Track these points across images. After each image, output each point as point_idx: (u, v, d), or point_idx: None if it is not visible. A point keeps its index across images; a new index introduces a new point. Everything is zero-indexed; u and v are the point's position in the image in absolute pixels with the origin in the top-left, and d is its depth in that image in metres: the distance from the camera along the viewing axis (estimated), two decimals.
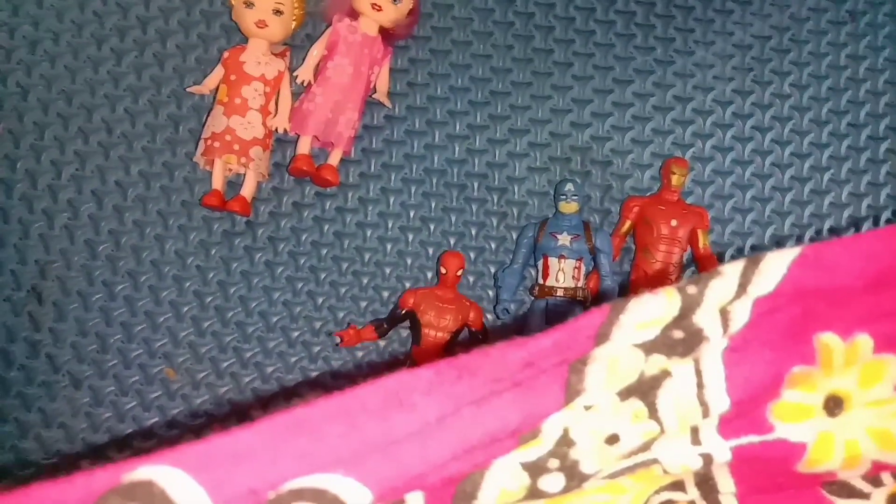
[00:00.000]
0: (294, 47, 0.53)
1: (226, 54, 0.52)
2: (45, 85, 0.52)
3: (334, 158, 0.52)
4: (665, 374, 0.21)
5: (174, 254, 0.52)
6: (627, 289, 0.52)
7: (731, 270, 0.21)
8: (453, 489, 0.20)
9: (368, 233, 0.53)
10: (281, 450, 0.18)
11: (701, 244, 0.52)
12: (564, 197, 0.51)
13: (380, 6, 0.51)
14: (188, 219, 0.52)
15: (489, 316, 0.52)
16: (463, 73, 0.54)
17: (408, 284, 0.52)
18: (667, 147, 0.55)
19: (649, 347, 0.21)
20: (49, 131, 0.52)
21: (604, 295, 0.51)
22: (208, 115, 0.51)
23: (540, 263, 0.51)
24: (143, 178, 0.52)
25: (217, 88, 0.51)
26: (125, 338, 0.51)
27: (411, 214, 0.53)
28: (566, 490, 0.21)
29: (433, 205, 0.53)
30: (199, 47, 0.54)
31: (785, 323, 0.21)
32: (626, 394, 0.21)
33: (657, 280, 0.50)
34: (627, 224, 0.53)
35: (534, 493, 0.21)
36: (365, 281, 0.52)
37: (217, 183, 0.50)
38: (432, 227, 0.53)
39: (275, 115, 0.52)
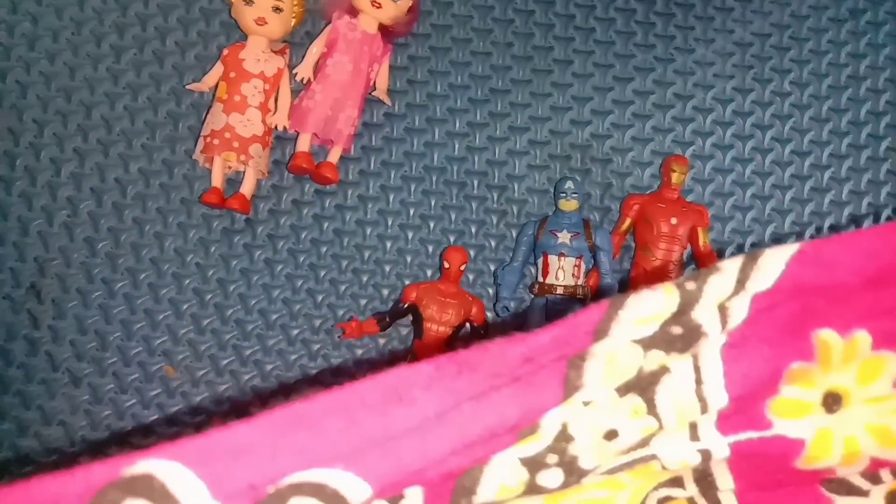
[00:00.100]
0: (293, 45, 0.53)
1: (225, 51, 0.52)
2: (44, 82, 0.52)
3: (334, 156, 0.52)
4: (664, 369, 0.21)
5: (173, 251, 0.52)
6: (627, 287, 0.52)
7: (730, 266, 0.21)
8: (452, 484, 0.20)
9: (368, 230, 0.53)
10: (280, 444, 0.18)
11: (701, 242, 0.52)
12: (564, 195, 0.51)
13: (379, 3, 0.51)
14: (188, 216, 0.52)
15: (489, 313, 0.52)
16: (462, 70, 0.54)
17: (407, 282, 0.52)
18: (667, 145, 0.55)
19: (648, 343, 0.21)
20: (48, 128, 0.52)
21: (604, 293, 0.51)
22: (208, 113, 0.51)
23: (540, 261, 0.51)
24: (143, 176, 0.52)
25: (216, 86, 0.51)
26: (124, 335, 0.51)
27: (411, 212, 0.53)
28: (565, 485, 0.21)
29: (433, 202, 0.53)
30: (199, 44, 0.54)
31: (783, 319, 0.21)
32: (624, 389, 0.21)
33: (657, 278, 0.50)
34: (627, 222, 0.53)
35: (532, 488, 0.21)
36: (364, 279, 0.52)
37: (216, 180, 0.50)
38: (432, 224, 0.53)
39: (274, 113, 0.52)
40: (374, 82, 0.53)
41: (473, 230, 0.53)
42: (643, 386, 0.21)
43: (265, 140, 0.51)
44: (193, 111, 0.53)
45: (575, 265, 0.50)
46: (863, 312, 0.22)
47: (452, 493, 0.20)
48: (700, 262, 0.52)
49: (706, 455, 0.23)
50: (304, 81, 0.52)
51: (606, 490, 0.23)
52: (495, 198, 0.54)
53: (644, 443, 0.22)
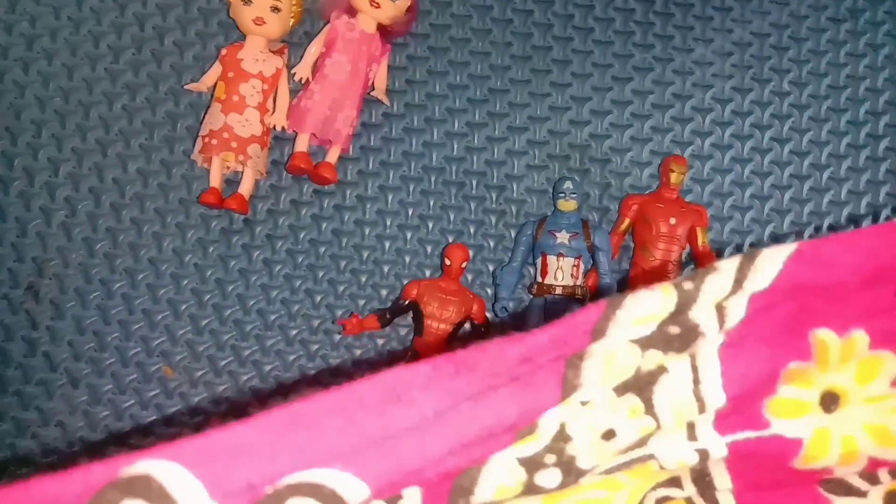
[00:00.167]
0: (292, 44, 0.53)
1: (223, 51, 0.52)
2: (42, 82, 0.52)
3: (332, 156, 0.52)
4: (661, 369, 0.21)
5: (172, 252, 0.52)
6: (626, 287, 0.52)
7: (727, 266, 0.21)
8: (450, 484, 0.20)
9: (367, 231, 0.53)
10: (279, 444, 0.18)
11: (700, 242, 0.52)
12: (563, 195, 0.51)
13: (378, 3, 0.51)
14: (186, 217, 0.52)
15: (488, 313, 0.52)
16: (461, 70, 0.54)
17: (406, 283, 0.52)
18: (666, 145, 0.55)
19: (646, 343, 0.21)
20: (46, 129, 0.52)
21: (603, 293, 0.51)
22: (206, 113, 0.51)
23: (538, 261, 0.51)
24: (141, 176, 0.52)
25: (215, 86, 0.51)
26: (123, 336, 0.50)
27: (410, 212, 0.53)
28: (563, 485, 0.21)
29: (432, 203, 0.53)
30: (197, 44, 0.54)
31: (781, 319, 0.21)
32: (622, 389, 0.21)
33: (656, 278, 0.50)
34: (626, 222, 0.53)
35: (530, 488, 0.21)
36: (363, 279, 0.52)
37: (215, 181, 0.50)
38: (431, 224, 0.53)
39: (273, 113, 0.52)
40: (373, 82, 0.53)
41: (472, 230, 0.53)
42: (641, 386, 0.21)
43: (263, 140, 0.51)
44: (192, 111, 0.53)
45: (574, 265, 0.50)
46: (860, 312, 0.22)
47: (450, 493, 0.20)
48: (699, 262, 0.52)
49: (704, 455, 0.23)
50: (303, 81, 0.52)
51: (604, 490, 0.23)
52: (494, 198, 0.54)
53: (642, 443, 0.22)
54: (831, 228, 0.55)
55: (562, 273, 0.50)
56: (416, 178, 0.53)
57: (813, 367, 0.22)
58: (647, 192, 0.54)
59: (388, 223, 0.53)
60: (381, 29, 0.52)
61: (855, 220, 0.55)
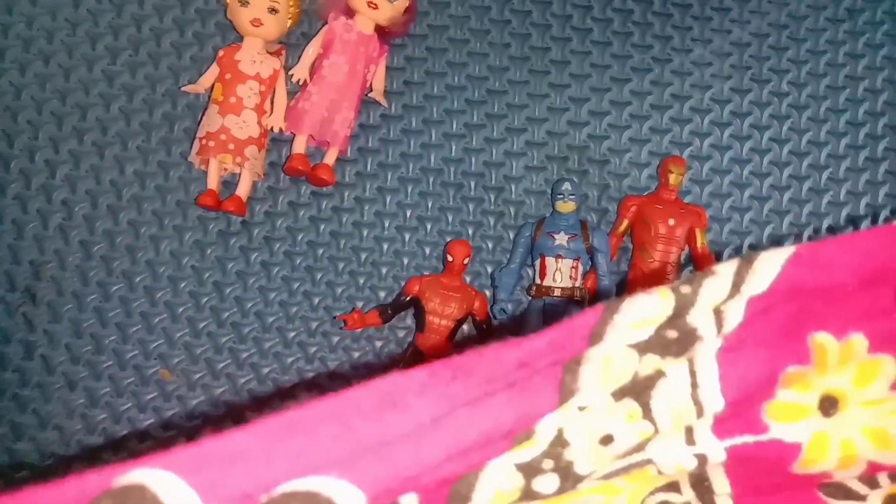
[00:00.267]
0: (290, 46, 0.53)
1: (221, 53, 0.51)
2: (38, 84, 0.52)
3: (330, 158, 0.52)
4: (659, 374, 0.21)
5: (169, 254, 0.52)
6: (625, 288, 0.52)
7: (725, 270, 0.21)
8: (447, 490, 0.20)
9: (365, 232, 0.53)
10: (274, 452, 0.18)
11: (699, 243, 0.51)
12: (562, 196, 0.51)
13: (376, 4, 0.50)
14: (183, 219, 0.52)
15: None
16: (460, 71, 0.54)
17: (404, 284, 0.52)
18: (664, 146, 0.55)
19: (643, 347, 0.21)
20: (43, 130, 0.52)
21: (601, 294, 0.51)
22: (203, 115, 0.51)
23: (537, 263, 0.51)
24: (138, 178, 0.52)
25: (212, 87, 0.51)
26: (120, 339, 0.50)
27: (408, 214, 0.53)
28: (560, 491, 0.21)
29: (430, 204, 0.53)
30: (194, 46, 0.54)
31: (779, 322, 0.21)
32: (620, 394, 0.21)
33: (655, 279, 0.50)
34: (625, 223, 0.52)
35: (528, 494, 0.21)
36: (361, 280, 0.52)
37: (212, 182, 0.50)
38: (429, 226, 0.53)
39: (270, 115, 0.51)
40: (371, 84, 0.53)
41: (470, 232, 0.53)
42: (639, 390, 0.21)
43: (261, 142, 0.51)
44: (189, 113, 0.53)
45: (572, 267, 0.50)
46: (859, 315, 0.22)
47: (447, 499, 0.20)
48: (698, 263, 0.52)
49: (702, 459, 0.22)
50: (301, 83, 0.52)
51: (602, 495, 0.23)
52: (492, 199, 0.53)
53: (640, 447, 0.22)
54: (830, 229, 0.55)
55: (560, 275, 0.50)
56: (414, 179, 0.53)
57: (811, 370, 0.22)
58: (645, 193, 0.54)
59: (387, 225, 0.53)
60: (379, 30, 0.52)
61: (854, 221, 0.55)
